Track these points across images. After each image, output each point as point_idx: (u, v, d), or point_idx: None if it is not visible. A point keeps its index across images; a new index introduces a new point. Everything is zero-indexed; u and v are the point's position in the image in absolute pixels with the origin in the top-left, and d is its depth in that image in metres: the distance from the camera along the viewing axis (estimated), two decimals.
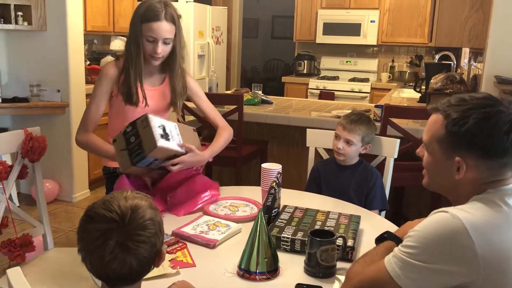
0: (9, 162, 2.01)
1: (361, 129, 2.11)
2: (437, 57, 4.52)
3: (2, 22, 3.60)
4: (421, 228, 1.03)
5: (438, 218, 1.03)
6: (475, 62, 3.88)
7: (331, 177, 2.19)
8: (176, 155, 1.73)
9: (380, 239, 1.26)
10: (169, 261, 1.40)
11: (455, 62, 4.45)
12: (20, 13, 3.63)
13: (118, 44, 4.90)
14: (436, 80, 3.21)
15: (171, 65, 1.97)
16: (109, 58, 4.58)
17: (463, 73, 4.22)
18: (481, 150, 1.05)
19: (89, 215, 0.96)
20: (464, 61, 4.59)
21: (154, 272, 1.32)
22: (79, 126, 2.04)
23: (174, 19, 1.87)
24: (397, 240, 1.21)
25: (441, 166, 1.12)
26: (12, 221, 1.94)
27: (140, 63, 1.89)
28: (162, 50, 1.87)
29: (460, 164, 1.07)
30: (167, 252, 1.45)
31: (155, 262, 1.02)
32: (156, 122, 1.64)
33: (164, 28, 1.84)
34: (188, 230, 1.60)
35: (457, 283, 1.00)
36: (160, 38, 1.84)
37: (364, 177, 2.12)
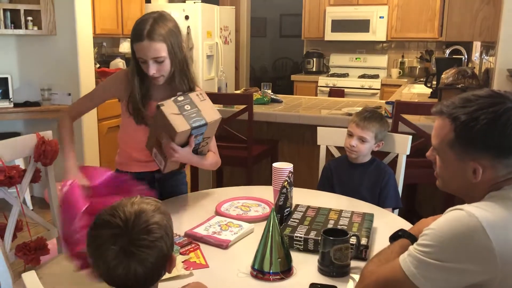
0: (22, 166, 2.03)
1: (375, 126, 2.09)
2: (447, 51, 4.47)
3: (12, 27, 3.64)
4: (437, 226, 1.02)
5: (454, 216, 1.01)
6: (486, 56, 3.83)
7: (343, 175, 2.17)
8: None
9: (394, 237, 1.25)
10: (182, 262, 1.40)
11: (466, 56, 4.40)
12: (30, 18, 3.67)
13: (127, 47, 4.93)
14: (447, 75, 3.17)
15: (170, 82, 1.84)
16: (118, 61, 4.61)
17: (474, 67, 4.17)
18: (495, 149, 1.03)
19: (96, 222, 0.97)
20: (476, 55, 4.54)
21: (167, 273, 1.32)
22: (68, 108, 1.99)
23: (163, 36, 1.70)
24: (412, 238, 1.20)
25: (456, 170, 1.10)
26: (27, 225, 1.96)
27: (135, 84, 1.82)
28: (156, 69, 1.74)
29: (476, 167, 1.05)
30: (180, 254, 1.45)
31: (165, 268, 1.00)
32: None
33: (148, 47, 1.69)
34: (201, 231, 1.60)
35: (474, 281, 0.98)
36: (147, 58, 1.71)
37: (377, 175, 2.11)
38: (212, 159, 1.97)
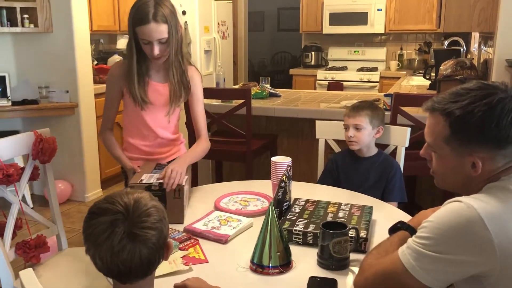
0: (21, 164, 2.02)
1: (366, 112, 2.09)
2: (446, 43, 4.45)
3: (8, 25, 3.63)
4: (436, 218, 1.01)
5: (452, 208, 1.01)
6: (485, 47, 3.82)
7: (349, 169, 2.17)
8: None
9: (393, 230, 1.25)
10: (182, 257, 1.40)
11: (464, 47, 4.39)
12: (26, 16, 3.65)
13: (124, 43, 4.89)
14: (446, 67, 3.16)
15: (166, 61, 1.92)
16: (116, 57, 4.59)
17: (473, 58, 4.16)
18: (493, 141, 1.03)
19: (93, 212, 0.98)
20: (474, 46, 4.52)
21: (167, 269, 1.32)
22: (101, 124, 2.12)
23: (166, 18, 1.80)
24: (411, 230, 1.20)
25: (454, 165, 1.09)
26: (26, 223, 1.96)
27: (133, 66, 1.88)
28: (160, 50, 1.83)
29: (475, 161, 1.05)
30: (179, 249, 1.45)
31: (163, 252, 1.02)
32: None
33: (155, 29, 1.78)
34: (200, 226, 1.60)
35: (474, 272, 0.98)
36: (153, 39, 1.80)
37: (384, 169, 2.10)
38: (202, 145, 2.06)
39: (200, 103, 2.08)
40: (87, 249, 0.98)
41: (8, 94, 3.73)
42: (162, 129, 2.04)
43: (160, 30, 1.79)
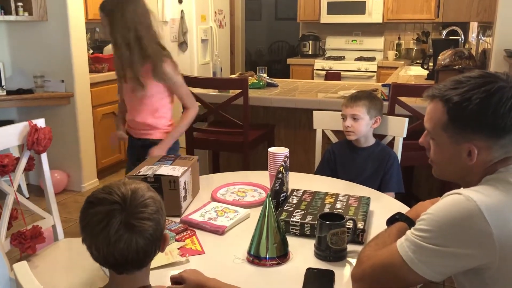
0: (16, 155, 2.01)
1: (364, 102, 2.08)
2: (444, 32, 4.43)
3: (2, 14, 3.57)
4: (434, 211, 1.01)
5: (451, 201, 1.00)
6: (483, 37, 3.79)
7: (347, 159, 2.16)
8: None
9: (391, 221, 1.24)
10: (178, 249, 1.40)
11: (463, 37, 4.36)
12: (20, 4, 3.60)
13: None
14: (444, 57, 3.14)
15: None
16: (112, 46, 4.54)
17: (471, 48, 4.14)
18: (489, 129, 1.02)
19: (90, 201, 0.97)
20: (473, 35, 4.50)
21: (163, 260, 1.32)
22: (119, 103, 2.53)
23: (105, 8, 2.14)
24: (409, 221, 1.19)
25: (450, 153, 1.08)
26: (22, 213, 1.94)
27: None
28: (105, 34, 2.26)
29: (471, 149, 1.04)
30: (176, 240, 1.45)
31: (160, 244, 1.01)
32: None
33: (101, 16, 2.18)
34: (196, 217, 1.59)
35: (473, 265, 0.98)
36: (103, 26, 2.21)
37: (381, 159, 2.10)
38: (187, 116, 2.33)
39: (179, 87, 2.30)
40: (83, 239, 0.97)
41: (3, 83, 3.69)
42: (133, 109, 2.32)
43: (103, 18, 2.17)
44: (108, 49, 4.53)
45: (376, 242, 1.18)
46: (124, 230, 0.93)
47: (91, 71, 4.06)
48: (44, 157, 1.96)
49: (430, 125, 1.10)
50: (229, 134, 2.99)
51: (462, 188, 1.07)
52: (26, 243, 1.83)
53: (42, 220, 1.97)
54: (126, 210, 0.94)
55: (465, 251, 0.96)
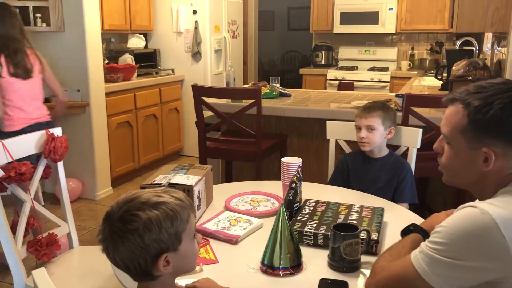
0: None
1: (378, 112, 2.08)
2: (458, 43, 4.41)
3: None
4: (449, 223, 1.00)
5: (467, 214, 0.99)
6: (498, 47, 3.77)
7: (360, 170, 2.16)
8: None
9: (405, 232, 1.24)
10: None
11: (477, 47, 4.34)
12: (38, 15, 3.68)
13: (135, 42, 4.93)
14: (458, 67, 3.13)
15: None
16: (127, 56, 4.61)
17: (486, 59, 4.12)
18: (509, 136, 1.01)
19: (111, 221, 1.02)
20: (487, 46, 4.47)
21: None
22: None
23: None
24: (424, 233, 1.19)
25: (466, 158, 1.07)
26: (38, 221, 1.97)
27: None
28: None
29: (488, 155, 1.03)
30: None
31: (154, 265, 1.02)
32: None
33: None
34: (210, 226, 1.60)
35: (488, 279, 0.97)
36: None
37: (395, 170, 2.09)
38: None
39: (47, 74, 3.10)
40: (105, 250, 1.02)
41: None
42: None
43: None
44: (124, 59, 4.59)
45: (390, 253, 1.17)
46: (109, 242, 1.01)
47: (106, 80, 4.12)
48: (60, 165, 1.99)
49: (448, 129, 1.10)
50: (242, 143, 3.01)
51: (476, 200, 1.06)
52: (42, 250, 1.86)
53: (57, 228, 1.99)
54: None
55: (480, 264, 0.95)
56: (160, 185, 1.64)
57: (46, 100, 3.74)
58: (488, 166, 1.04)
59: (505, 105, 1.00)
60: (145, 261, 0.99)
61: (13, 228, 1.82)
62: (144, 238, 0.97)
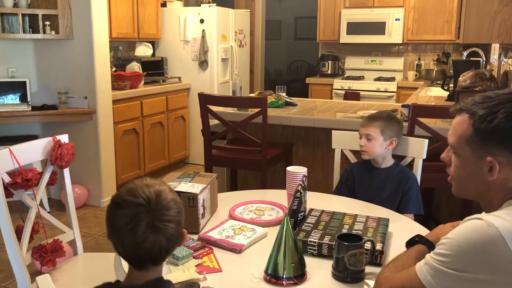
0: (38, 169, 2.05)
1: (378, 122, 2.09)
2: (465, 54, 4.41)
3: (31, 32, 3.70)
4: (455, 235, 0.99)
5: (472, 226, 0.99)
6: (505, 58, 3.76)
7: (365, 179, 2.15)
8: None
9: (411, 243, 1.23)
10: (196, 266, 1.40)
11: (484, 58, 4.34)
12: (47, 23, 3.72)
13: (143, 50, 4.97)
14: (465, 78, 3.13)
15: None
16: (134, 64, 4.65)
17: (493, 70, 4.10)
18: None
19: (117, 203, 1.03)
20: (494, 57, 4.46)
21: (181, 277, 1.32)
22: None
23: None
24: (429, 244, 1.18)
25: (472, 168, 1.07)
26: (43, 227, 1.98)
27: None
28: None
29: (492, 164, 1.03)
30: (194, 257, 1.45)
31: (179, 241, 1.09)
32: None
33: None
34: (214, 234, 1.59)
35: None
36: None
37: (400, 180, 2.08)
38: None
39: None
40: (110, 237, 1.04)
41: (28, 99, 3.80)
42: None
43: None
44: (131, 67, 4.63)
45: (395, 264, 1.17)
46: (149, 232, 1.00)
47: (114, 88, 4.15)
48: (66, 172, 2.00)
49: (454, 139, 1.10)
50: (247, 152, 3.01)
51: (483, 212, 1.06)
52: (46, 257, 1.86)
53: (62, 234, 2.00)
54: (151, 212, 1.01)
55: (485, 276, 0.95)
56: None
57: (53, 107, 3.79)
58: (493, 176, 1.04)
59: (509, 114, 1.00)
60: (178, 240, 1.07)
61: (18, 234, 1.83)
62: (181, 220, 1.07)
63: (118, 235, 1.02)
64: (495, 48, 4.39)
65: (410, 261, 1.12)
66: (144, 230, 0.99)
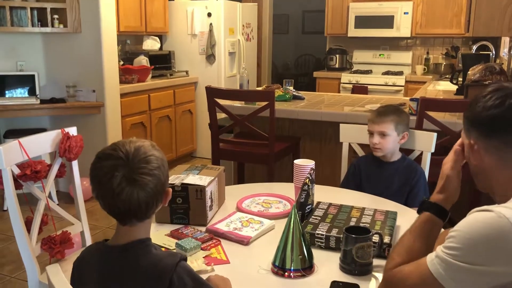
0: (47, 162, 2.07)
1: (391, 118, 2.06)
2: (474, 47, 4.37)
3: (39, 26, 3.72)
4: (464, 228, 0.98)
5: (482, 218, 0.97)
6: None
7: (372, 173, 2.14)
8: None
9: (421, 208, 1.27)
10: (203, 257, 1.41)
11: (494, 52, 4.30)
12: (56, 16, 3.74)
13: (150, 44, 4.98)
14: (474, 71, 3.10)
15: None
16: (142, 58, 4.65)
17: (502, 63, 4.07)
18: (485, 127, 1.06)
19: (99, 156, 1.08)
20: (504, 50, 4.42)
21: None
22: None
23: None
24: (436, 208, 1.26)
25: (472, 157, 1.12)
26: (52, 219, 2.00)
27: None
28: None
29: (474, 145, 1.08)
30: (201, 249, 1.46)
31: (162, 197, 1.11)
32: None
33: None
34: (222, 226, 1.60)
35: (505, 282, 0.95)
36: None
37: (407, 174, 2.07)
38: None
39: None
40: (92, 190, 1.08)
41: (37, 92, 3.82)
42: None
43: None
44: (138, 61, 4.63)
45: (399, 251, 1.16)
46: (125, 183, 1.03)
47: (121, 81, 4.17)
48: (75, 164, 2.01)
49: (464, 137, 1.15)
50: (254, 145, 3.01)
51: (492, 205, 1.05)
52: (55, 248, 1.88)
53: (71, 226, 2.01)
54: (128, 165, 1.04)
55: (498, 268, 0.94)
56: (173, 185, 1.65)
57: (61, 100, 3.81)
58: (482, 161, 1.07)
59: (497, 99, 1.04)
60: (161, 198, 1.09)
61: (28, 225, 1.85)
62: (163, 177, 1.08)
63: (99, 187, 1.06)
64: (505, 41, 4.35)
65: (415, 241, 1.15)
66: (120, 181, 1.02)
